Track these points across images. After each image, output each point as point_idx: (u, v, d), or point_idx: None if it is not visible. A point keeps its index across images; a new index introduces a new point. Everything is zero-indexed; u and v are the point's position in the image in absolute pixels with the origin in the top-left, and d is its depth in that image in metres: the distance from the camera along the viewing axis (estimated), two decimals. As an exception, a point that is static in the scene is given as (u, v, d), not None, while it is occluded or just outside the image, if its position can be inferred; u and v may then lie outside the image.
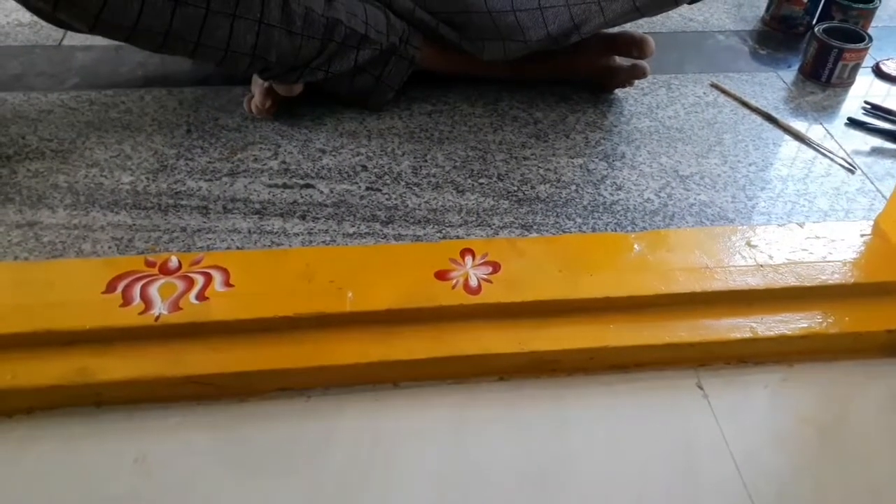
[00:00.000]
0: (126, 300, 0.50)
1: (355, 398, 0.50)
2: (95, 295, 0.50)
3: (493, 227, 0.65)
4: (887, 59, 0.91)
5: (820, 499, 0.45)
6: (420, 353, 0.50)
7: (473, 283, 0.53)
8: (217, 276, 0.52)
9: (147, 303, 0.50)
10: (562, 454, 0.47)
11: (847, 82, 0.86)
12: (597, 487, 0.45)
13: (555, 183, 0.70)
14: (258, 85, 0.73)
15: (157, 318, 0.49)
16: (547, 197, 0.68)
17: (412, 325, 0.51)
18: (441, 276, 0.53)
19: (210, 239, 0.61)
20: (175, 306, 0.50)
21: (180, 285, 0.51)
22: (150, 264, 0.53)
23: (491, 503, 0.45)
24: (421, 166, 0.71)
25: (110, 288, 0.50)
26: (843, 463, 0.47)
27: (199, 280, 0.52)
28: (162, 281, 0.51)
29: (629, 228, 0.65)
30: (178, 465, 0.45)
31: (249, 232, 0.62)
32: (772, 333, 0.52)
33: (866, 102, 0.83)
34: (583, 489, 0.45)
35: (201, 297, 0.50)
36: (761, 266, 0.55)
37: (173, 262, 0.53)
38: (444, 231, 0.64)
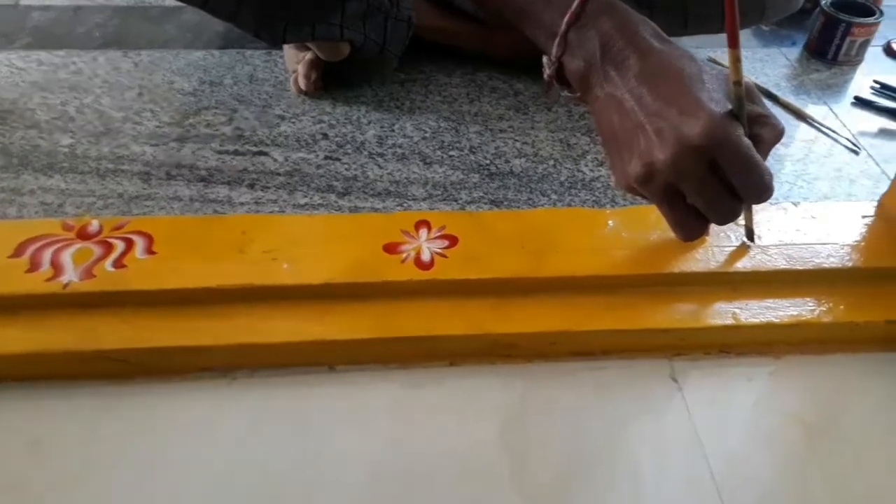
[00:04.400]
0: (34, 265, 0.45)
1: (285, 381, 0.44)
2: (0, 259, 0.45)
3: (460, 201, 0.59)
4: (900, 38, 0.85)
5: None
6: (360, 332, 0.45)
7: (426, 257, 0.48)
8: (139, 242, 0.47)
9: (57, 269, 0.45)
10: (512, 448, 0.42)
11: (855, 60, 0.80)
12: (549, 488, 0.40)
13: (531, 157, 0.64)
14: (299, 60, 0.68)
15: (66, 285, 0.44)
16: (521, 172, 0.63)
17: (353, 301, 0.46)
18: (390, 249, 0.48)
19: (148, 206, 0.56)
20: (88, 273, 0.44)
21: (97, 251, 0.46)
22: (67, 228, 0.48)
23: (427, 499, 0.39)
24: (387, 136, 0.65)
25: (18, 252, 0.45)
26: (833, 467, 0.42)
27: (119, 246, 0.46)
28: (78, 246, 0.46)
29: (609, 207, 0.59)
30: (77, 452, 0.40)
31: (191, 200, 0.57)
32: (757, 321, 0.46)
33: (875, 81, 0.77)
34: (533, 488, 0.40)
35: (118, 264, 0.45)
36: (748, 247, 0.49)
37: (94, 226, 0.48)
38: (405, 205, 0.58)
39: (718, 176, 0.41)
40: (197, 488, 0.39)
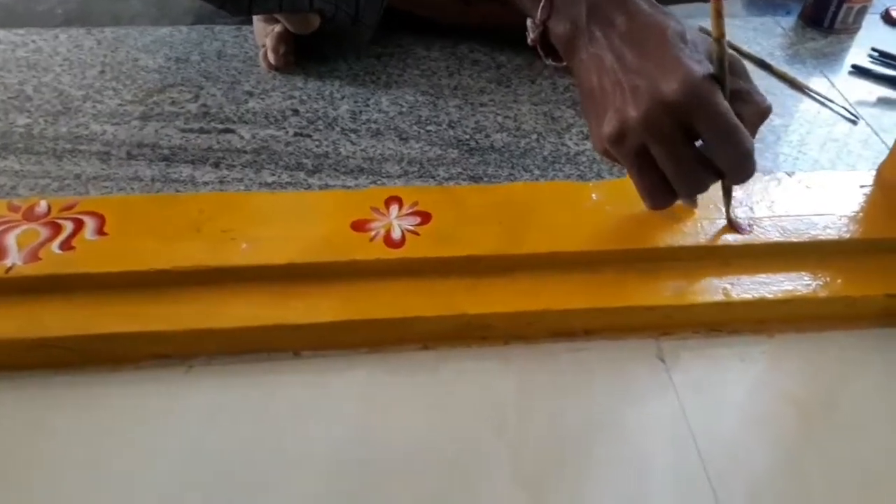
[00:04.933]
0: (-26, 249, 0.42)
1: (247, 369, 0.42)
2: (-62, 243, 0.42)
3: (438, 178, 0.56)
4: (899, 5, 0.82)
5: (800, 492, 0.37)
6: (325, 315, 0.42)
7: (396, 234, 0.45)
8: (90, 223, 0.44)
9: (1, 252, 0.42)
10: (488, 435, 0.39)
11: (852, 28, 0.77)
12: (526, 475, 0.37)
13: (513, 131, 0.61)
14: (268, 33, 0.65)
15: (10, 269, 0.41)
16: (503, 146, 0.60)
17: (318, 282, 0.43)
18: (358, 226, 0.45)
19: (107, 188, 0.53)
20: (33, 256, 0.42)
21: (44, 232, 0.43)
22: (13, 209, 0.45)
23: (397, 489, 0.37)
24: (361, 111, 0.62)
25: (-42, 235, 0.42)
26: (829, 449, 0.39)
27: (68, 227, 0.44)
28: (23, 227, 0.43)
29: (594, 181, 0.56)
30: (20, 449, 0.38)
31: (153, 180, 0.54)
32: (749, 297, 0.43)
33: (873, 49, 0.74)
34: (510, 474, 0.37)
35: (66, 246, 0.42)
36: (740, 219, 0.46)
37: (41, 206, 0.45)
38: (379, 182, 0.55)
39: (693, 144, 0.38)
40: (152, 481, 0.36)
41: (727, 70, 0.38)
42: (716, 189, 0.42)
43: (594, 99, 0.41)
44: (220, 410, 0.40)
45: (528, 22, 0.45)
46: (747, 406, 0.41)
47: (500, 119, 0.63)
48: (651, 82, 0.37)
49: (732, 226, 0.46)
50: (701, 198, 0.45)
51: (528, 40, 0.46)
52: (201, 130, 0.59)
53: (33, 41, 0.68)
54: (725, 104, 0.37)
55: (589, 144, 0.60)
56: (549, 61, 0.46)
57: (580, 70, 0.43)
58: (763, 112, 0.40)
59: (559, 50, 0.44)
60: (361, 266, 0.43)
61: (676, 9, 0.76)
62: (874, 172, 0.51)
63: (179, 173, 0.54)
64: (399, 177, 0.56)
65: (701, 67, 0.37)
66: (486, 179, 0.56)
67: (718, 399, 0.41)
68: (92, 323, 0.40)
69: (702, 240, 0.45)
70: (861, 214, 0.47)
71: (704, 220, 0.46)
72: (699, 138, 0.38)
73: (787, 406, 0.41)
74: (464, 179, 0.56)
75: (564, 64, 0.45)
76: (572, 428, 0.40)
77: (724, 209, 0.46)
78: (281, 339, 0.42)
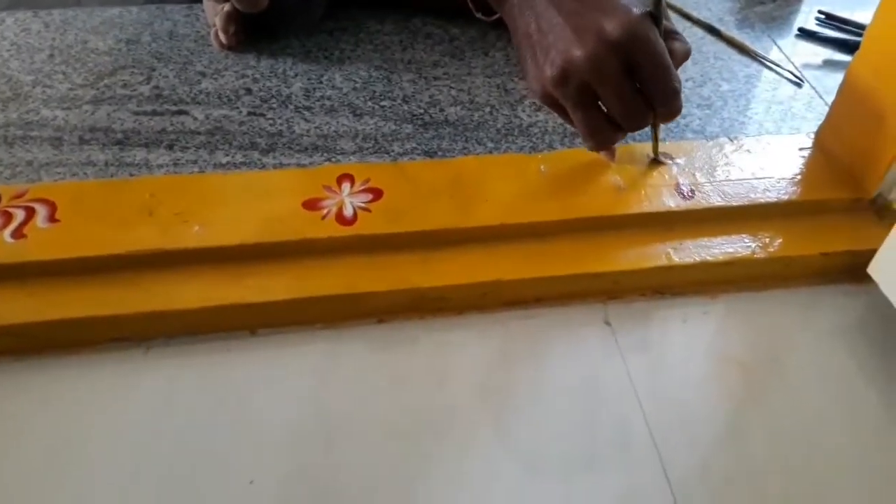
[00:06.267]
0: (-76, 240, 0.42)
1: (203, 348, 0.43)
2: None
3: (392, 153, 0.57)
4: (845, -33, 0.83)
5: (741, 448, 0.39)
6: (280, 293, 0.43)
7: (348, 212, 0.46)
8: (41, 211, 0.44)
9: (-49, 243, 0.42)
10: (440, 404, 0.40)
11: (800, -9, 0.78)
12: (477, 441, 0.39)
13: (467, 105, 0.62)
14: (217, 12, 0.64)
15: (-39, 260, 0.41)
16: (457, 120, 0.60)
17: (271, 262, 0.44)
18: (310, 205, 0.46)
19: (60, 173, 0.53)
20: (-15, 246, 0.42)
21: (-6, 222, 0.43)
22: (-37, 199, 0.45)
23: (355, 462, 0.38)
24: (315, 88, 0.62)
25: None
26: (770, 406, 0.41)
27: (19, 215, 0.44)
28: (-26, 218, 0.43)
29: (545, 152, 0.57)
30: (-21, 433, 0.38)
31: (107, 164, 0.54)
32: (691, 260, 0.45)
33: (820, 12, 0.75)
34: (462, 445, 0.39)
35: (18, 234, 0.43)
36: (683, 185, 0.48)
37: (-8, 196, 0.45)
38: (334, 159, 0.56)
39: (633, 80, 0.41)
40: (113, 463, 0.37)
41: (664, 9, 0.40)
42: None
43: (531, 43, 0.42)
44: (180, 389, 0.41)
45: None
46: (690, 365, 0.43)
47: (454, 93, 0.63)
48: (594, 22, 0.39)
49: (659, 162, 0.49)
50: (647, 172, 0.46)
51: None
52: (154, 113, 0.59)
53: (-22, 26, 0.67)
54: (662, 43, 0.39)
55: (542, 115, 0.61)
56: (479, 15, 0.47)
57: (514, 16, 0.44)
58: (687, 51, 0.43)
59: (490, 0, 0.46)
60: (314, 244, 0.44)
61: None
62: (813, 135, 0.52)
63: (133, 157, 0.54)
64: (353, 153, 0.56)
65: (639, 6, 0.39)
66: (440, 154, 0.57)
67: (662, 359, 0.43)
68: (47, 309, 0.41)
69: (646, 207, 0.46)
70: (799, 177, 0.49)
71: (648, 187, 0.48)
72: (635, 75, 0.40)
73: (728, 364, 0.43)
74: (418, 154, 0.57)
75: (496, 16, 0.46)
76: (523, 393, 0.41)
77: (652, 148, 0.49)
78: (237, 319, 0.43)
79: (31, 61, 0.63)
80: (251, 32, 0.66)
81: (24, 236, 0.43)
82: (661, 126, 0.49)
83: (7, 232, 0.43)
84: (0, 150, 0.55)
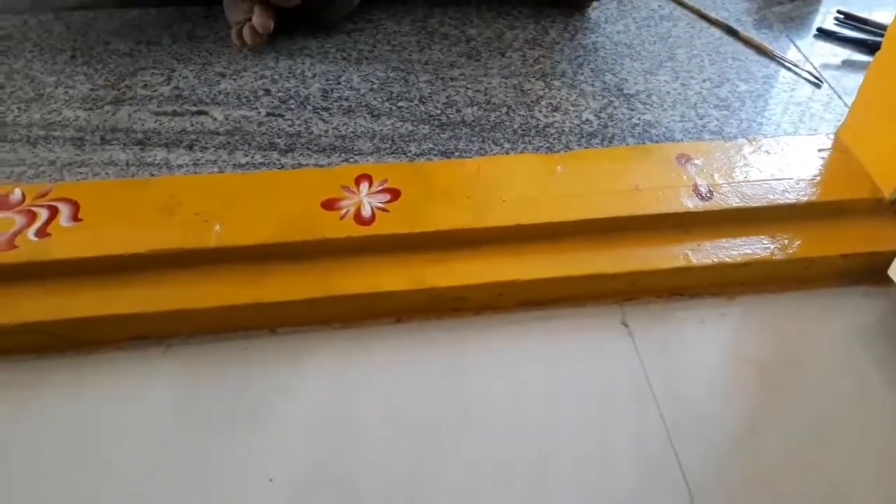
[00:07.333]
0: (-49, 239, 0.43)
1: (223, 347, 0.43)
2: (-85, 234, 0.43)
3: (410, 154, 0.57)
4: (865, -34, 0.82)
5: (758, 449, 0.39)
6: (299, 293, 0.43)
7: (366, 212, 0.46)
8: (64, 210, 0.45)
9: (-23, 241, 0.43)
10: (458, 403, 0.41)
11: (819, -9, 0.77)
12: (494, 441, 0.39)
13: (484, 105, 0.62)
14: (240, 12, 0.64)
15: (-13, 258, 0.42)
16: (473, 120, 0.60)
17: (290, 261, 0.44)
18: (329, 205, 0.46)
19: (82, 173, 0.54)
20: (10, 244, 0.42)
21: (19, 220, 0.44)
22: (-12, 198, 0.45)
23: (373, 459, 0.38)
24: (333, 89, 0.63)
25: (-66, 225, 0.43)
26: (787, 406, 0.41)
27: (43, 214, 0.44)
28: (-1, 216, 0.44)
29: (562, 153, 0.57)
30: (2, 430, 0.39)
31: (128, 164, 0.55)
32: (709, 261, 0.45)
33: (839, 11, 0.74)
34: (478, 443, 0.39)
35: (42, 233, 0.43)
36: (701, 185, 0.48)
37: (16, 194, 0.46)
38: (352, 160, 0.56)
39: None
40: (132, 459, 0.38)
41: None
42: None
43: None
44: (199, 387, 0.41)
45: None
46: (707, 366, 0.43)
47: (470, 93, 0.63)
48: None
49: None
50: (666, 173, 0.46)
51: None
52: (174, 113, 0.59)
53: (2, 27, 0.68)
54: None
55: (558, 116, 0.61)
56: None
57: None
58: None
59: None
60: (332, 244, 0.44)
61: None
62: (833, 136, 0.52)
63: (154, 157, 0.55)
64: (371, 154, 0.57)
65: None
66: (457, 154, 0.57)
67: (678, 361, 0.43)
68: (70, 307, 0.42)
69: (664, 208, 0.46)
70: (818, 178, 0.49)
71: (666, 188, 0.48)
72: None
73: (745, 365, 0.43)
74: (435, 155, 0.57)
75: None
76: (539, 393, 0.41)
77: None
78: (256, 318, 0.43)
79: (54, 62, 0.64)
80: (272, 33, 0.66)
81: (48, 235, 0.43)
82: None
83: (31, 231, 0.43)
84: (23, 150, 0.55)
